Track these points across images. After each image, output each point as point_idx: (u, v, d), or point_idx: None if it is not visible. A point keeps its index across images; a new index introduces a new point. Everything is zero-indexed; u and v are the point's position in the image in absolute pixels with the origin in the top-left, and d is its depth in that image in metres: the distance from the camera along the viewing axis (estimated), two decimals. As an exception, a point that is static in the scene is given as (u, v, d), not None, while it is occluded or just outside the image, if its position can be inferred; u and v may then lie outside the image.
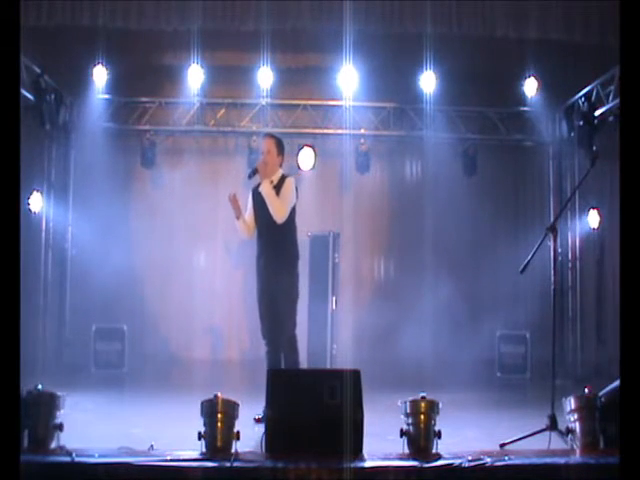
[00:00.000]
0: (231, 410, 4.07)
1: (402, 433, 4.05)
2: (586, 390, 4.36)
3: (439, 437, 4.02)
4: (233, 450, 3.97)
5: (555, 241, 4.81)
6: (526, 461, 3.91)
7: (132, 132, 9.96)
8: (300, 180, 10.02)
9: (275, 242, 5.70)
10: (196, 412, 4.05)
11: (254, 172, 5.78)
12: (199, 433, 3.98)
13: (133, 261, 9.28)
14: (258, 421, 4.98)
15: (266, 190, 5.67)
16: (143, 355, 9.31)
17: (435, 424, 4.07)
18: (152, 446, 4.09)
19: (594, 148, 8.14)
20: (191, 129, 9.99)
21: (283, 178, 5.80)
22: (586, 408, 4.26)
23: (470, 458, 3.84)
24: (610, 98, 8.42)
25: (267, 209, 5.67)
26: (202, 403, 4.07)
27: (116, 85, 9.51)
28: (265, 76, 9.37)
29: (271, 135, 5.97)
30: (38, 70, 8.41)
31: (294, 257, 5.75)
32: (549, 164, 10.36)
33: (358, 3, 7.41)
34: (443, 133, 9.96)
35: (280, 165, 5.85)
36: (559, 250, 8.87)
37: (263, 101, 9.77)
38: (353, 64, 9.03)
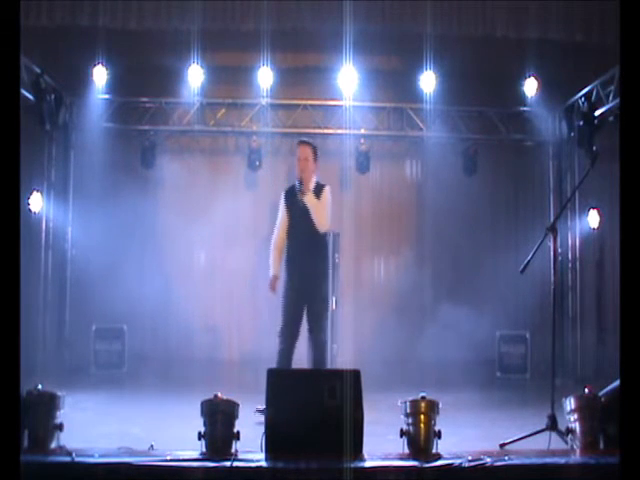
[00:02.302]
0: (231, 410, 4.07)
1: (402, 433, 4.05)
2: (586, 390, 4.36)
3: (439, 437, 4.02)
4: (233, 450, 3.97)
5: (555, 241, 4.82)
6: (526, 461, 3.91)
7: (132, 132, 9.96)
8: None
9: (315, 250, 5.94)
10: (196, 412, 4.05)
11: (301, 183, 5.93)
12: (199, 433, 3.97)
13: (133, 261, 9.28)
14: (260, 412, 4.99)
15: (312, 202, 5.89)
16: (143, 355, 9.30)
17: (435, 424, 4.07)
18: (152, 446, 4.09)
19: (594, 148, 8.13)
20: (191, 129, 9.99)
21: (319, 186, 6.00)
22: (586, 408, 4.26)
23: (470, 458, 3.84)
24: (610, 98, 8.42)
25: (309, 218, 5.88)
26: (202, 403, 4.07)
27: (116, 85, 9.51)
28: (265, 76, 9.36)
29: (307, 142, 6.18)
30: (38, 70, 8.41)
31: (328, 263, 6.15)
32: (549, 164, 10.36)
33: (358, 3, 7.41)
34: (443, 133, 9.96)
35: (314, 172, 6.06)
36: (559, 250, 8.86)
37: (263, 101, 9.76)
38: (353, 64, 9.03)
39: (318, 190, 5.96)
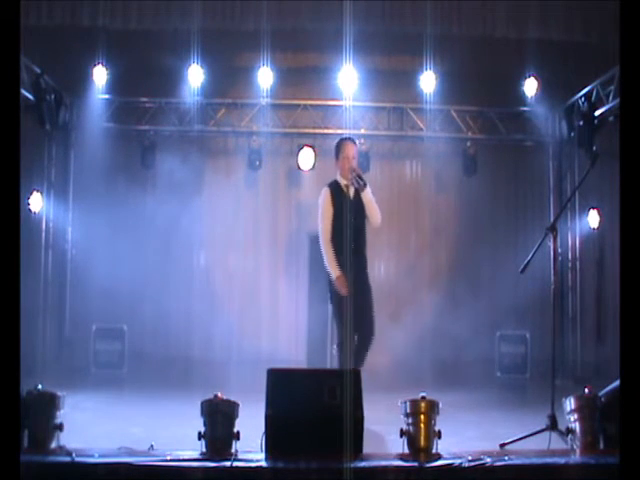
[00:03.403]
0: (231, 410, 4.07)
1: (402, 433, 4.04)
2: (586, 390, 4.36)
3: (439, 437, 4.01)
4: (233, 450, 3.97)
5: (555, 241, 4.81)
6: (526, 461, 3.90)
7: (132, 132, 9.96)
8: (300, 180, 10.07)
9: (364, 247, 5.94)
10: (196, 412, 4.05)
11: (359, 179, 5.85)
12: (199, 433, 3.97)
13: (133, 261, 9.27)
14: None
15: (368, 197, 5.88)
16: (143, 355, 9.30)
17: (435, 424, 4.06)
18: (152, 446, 4.09)
19: (594, 148, 8.13)
20: (191, 129, 9.98)
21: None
22: (586, 408, 4.25)
23: (470, 458, 3.84)
24: (610, 98, 8.41)
25: (362, 214, 5.88)
26: (202, 403, 4.07)
27: (116, 85, 9.50)
28: (265, 76, 9.36)
29: (355, 141, 6.15)
30: (38, 70, 8.41)
31: None
32: (549, 164, 10.36)
33: (358, 3, 7.41)
34: (443, 133, 9.97)
35: None
36: (559, 250, 8.87)
37: (263, 101, 9.75)
38: (353, 64, 9.02)
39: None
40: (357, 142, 6.14)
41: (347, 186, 5.94)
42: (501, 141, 10.18)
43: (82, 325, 9.34)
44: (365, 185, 5.84)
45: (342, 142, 6.13)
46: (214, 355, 9.68)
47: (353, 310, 5.76)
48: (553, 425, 4.49)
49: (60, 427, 4.07)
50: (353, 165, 5.94)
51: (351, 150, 6.01)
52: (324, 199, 5.95)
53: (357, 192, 5.91)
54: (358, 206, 5.89)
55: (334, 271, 5.81)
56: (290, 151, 10.04)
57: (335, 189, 5.97)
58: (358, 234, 5.91)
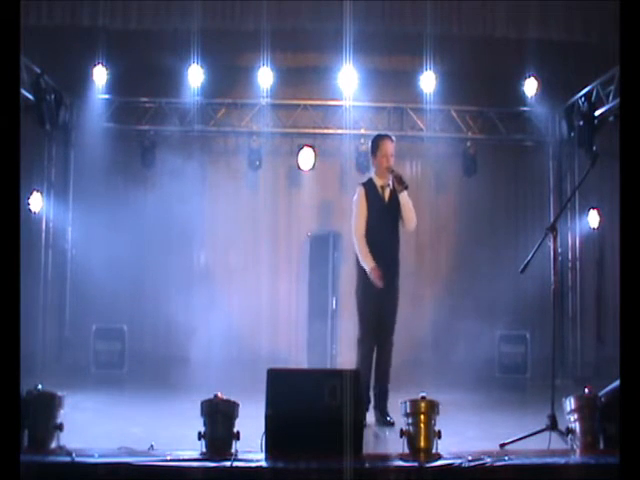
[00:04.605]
0: (231, 410, 4.07)
1: (402, 433, 4.05)
2: (586, 390, 4.36)
3: (439, 437, 4.01)
4: (233, 450, 3.97)
5: (555, 241, 4.81)
6: (526, 461, 3.91)
7: (132, 132, 9.96)
8: (300, 180, 10.06)
9: (396, 247, 5.81)
10: (196, 412, 4.05)
11: (399, 179, 5.75)
12: (199, 433, 3.97)
13: (133, 261, 9.27)
14: None
15: (405, 199, 5.75)
16: (143, 355, 9.30)
17: (435, 424, 4.07)
18: (152, 446, 4.09)
19: (594, 148, 8.14)
20: (191, 129, 9.98)
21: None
22: (586, 408, 4.26)
23: (470, 458, 3.84)
24: (610, 98, 8.41)
25: (397, 214, 5.76)
26: (202, 403, 4.07)
27: (116, 85, 9.50)
28: (265, 76, 9.36)
29: (393, 138, 5.99)
30: (38, 70, 8.41)
31: None
32: (549, 164, 10.36)
33: (358, 3, 7.41)
34: (443, 133, 9.97)
35: None
36: (559, 250, 8.86)
37: (263, 101, 9.75)
38: (353, 64, 9.02)
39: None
40: (394, 139, 5.96)
41: (383, 187, 5.83)
42: (501, 141, 10.18)
43: (82, 325, 9.34)
44: (407, 188, 5.72)
45: (380, 139, 5.97)
46: (214, 355, 9.66)
47: (375, 314, 5.74)
48: (553, 425, 4.49)
49: (60, 427, 4.07)
50: (391, 164, 5.81)
51: (389, 148, 5.85)
52: (358, 199, 5.82)
53: (393, 193, 5.79)
54: (393, 208, 5.78)
55: (369, 263, 5.65)
56: (290, 151, 10.04)
57: (370, 189, 5.84)
58: (392, 237, 5.80)
